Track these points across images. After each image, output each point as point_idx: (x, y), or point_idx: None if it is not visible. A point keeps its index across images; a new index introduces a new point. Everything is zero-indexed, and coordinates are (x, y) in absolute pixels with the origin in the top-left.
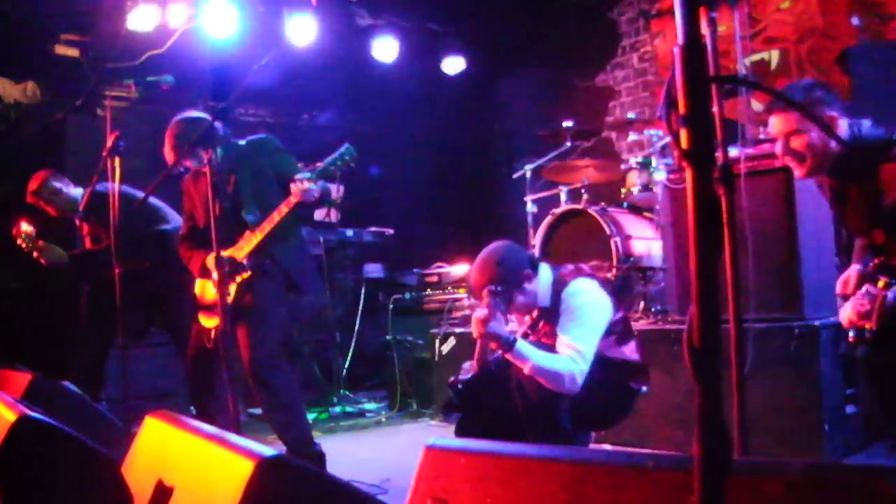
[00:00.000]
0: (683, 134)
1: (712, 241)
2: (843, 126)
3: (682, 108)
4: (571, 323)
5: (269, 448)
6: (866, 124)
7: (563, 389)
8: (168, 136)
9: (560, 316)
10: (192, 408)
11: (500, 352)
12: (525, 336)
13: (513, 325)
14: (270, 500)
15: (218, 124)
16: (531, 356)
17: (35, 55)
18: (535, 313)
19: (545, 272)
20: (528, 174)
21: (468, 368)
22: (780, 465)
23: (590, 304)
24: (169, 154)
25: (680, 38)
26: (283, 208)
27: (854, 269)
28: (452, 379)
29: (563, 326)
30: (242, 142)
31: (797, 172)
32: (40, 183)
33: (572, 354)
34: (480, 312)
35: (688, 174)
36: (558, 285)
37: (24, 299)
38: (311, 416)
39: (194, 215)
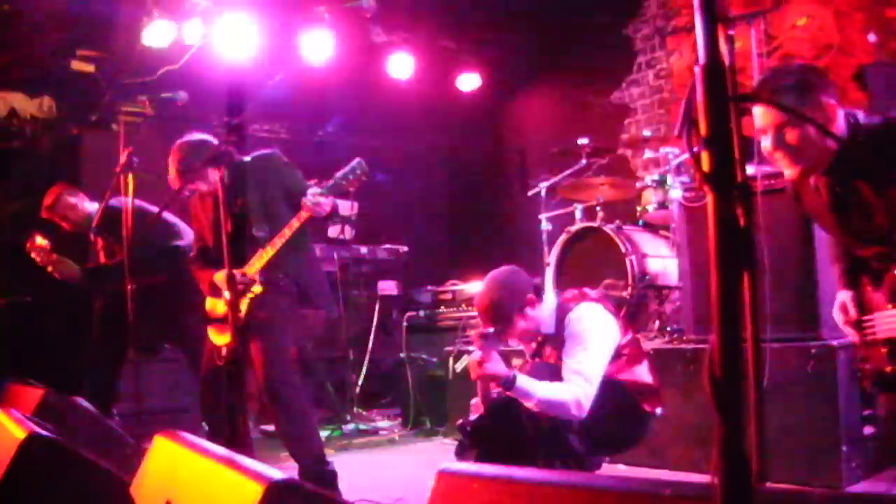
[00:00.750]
0: (704, 156)
1: (733, 267)
2: (840, 117)
3: (702, 130)
4: (576, 347)
5: (279, 471)
6: (860, 114)
7: (570, 416)
8: (172, 159)
9: (565, 342)
10: (203, 424)
11: (501, 390)
12: (533, 357)
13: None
14: None
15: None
16: (534, 390)
17: (51, 70)
18: (539, 339)
19: (549, 298)
20: (543, 192)
21: (476, 405)
22: (802, 497)
23: (594, 328)
24: (174, 177)
25: (701, 58)
26: (295, 223)
27: (847, 296)
28: (461, 421)
29: (567, 352)
30: (247, 158)
31: (790, 172)
32: (55, 198)
33: (576, 379)
34: (476, 355)
35: (709, 198)
36: (562, 311)
37: (38, 313)
38: (324, 434)
39: (203, 236)
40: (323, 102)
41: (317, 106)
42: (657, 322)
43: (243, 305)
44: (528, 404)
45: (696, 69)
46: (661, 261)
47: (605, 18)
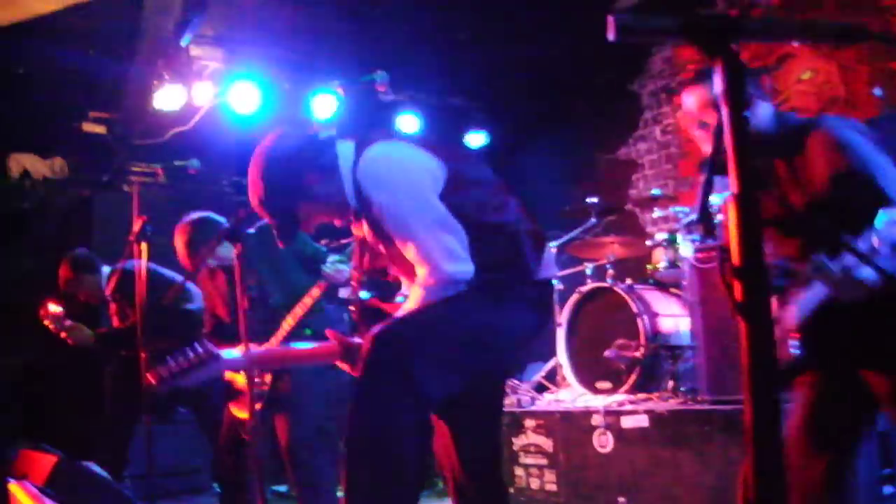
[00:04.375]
0: (736, 286)
1: (769, 394)
2: (763, 108)
3: (734, 259)
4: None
5: None
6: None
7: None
8: (181, 241)
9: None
10: (214, 485)
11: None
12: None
13: None
14: None
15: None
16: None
17: (63, 132)
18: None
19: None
20: (553, 250)
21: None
22: None
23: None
24: (183, 256)
25: (733, 187)
26: (315, 292)
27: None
28: None
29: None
30: (252, 230)
31: (706, 147)
32: (69, 277)
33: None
34: None
35: (742, 326)
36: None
37: (50, 377)
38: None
39: (217, 312)
40: None
41: None
42: (670, 382)
43: (267, 378)
44: None
45: (728, 198)
46: (673, 320)
47: (611, 75)
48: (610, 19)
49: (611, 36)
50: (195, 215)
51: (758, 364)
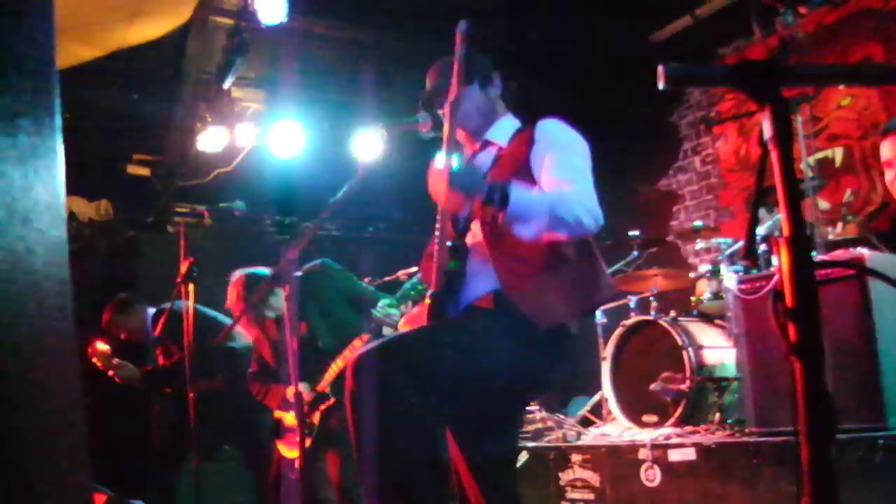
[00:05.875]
0: (791, 328)
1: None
2: None
3: (788, 301)
4: (560, 151)
5: None
6: None
7: (581, 229)
8: (235, 292)
9: (531, 148)
10: None
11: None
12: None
13: None
14: None
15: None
16: (530, 198)
17: (108, 174)
18: (481, 143)
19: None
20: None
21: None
22: None
23: (579, 140)
24: (234, 304)
25: (785, 230)
26: (366, 335)
27: None
28: None
29: (545, 156)
30: (299, 273)
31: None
32: (108, 319)
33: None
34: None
35: (797, 366)
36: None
37: (99, 416)
38: None
39: (263, 355)
40: (374, 199)
41: (367, 203)
42: (717, 414)
43: (316, 417)
44: (524, 227)
45: (781, 240)
46: (718, 352)
47: (649, 107)
48: (660, 69)
49: (661, 84)
50: (249, 270)
51: (813, 402)
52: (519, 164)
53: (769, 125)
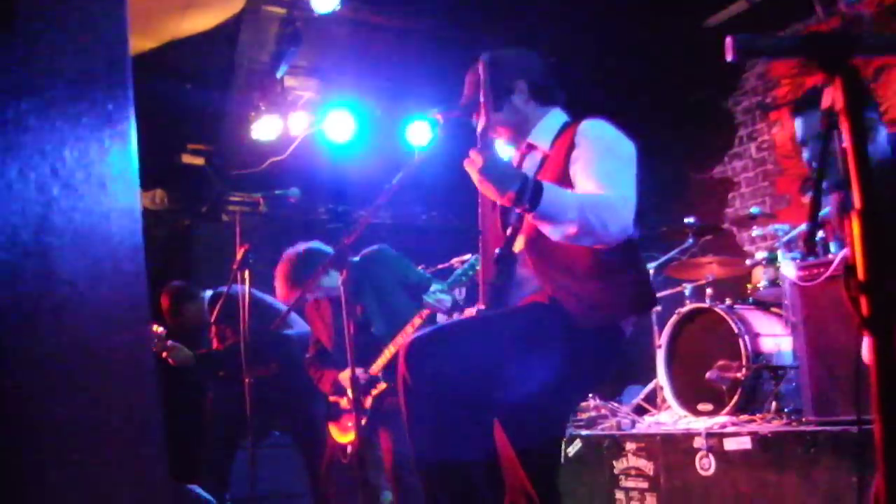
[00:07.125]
0: (862, 301)
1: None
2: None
3: (860, 275)
4: (600, 153)
5: None
6: None
7: (608, 235)
8: (281, 273)
9: (572, 151)
10: None
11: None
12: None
13: None
14: None
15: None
16: (564, 196)
17: (163, 164)
18: (526, 145)
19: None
20: (651, 272)
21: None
22: None
23: (622, 142)
24: (282, 287)
25: (857, 203)
26: (417, 321)
27: None
28: None
29: (585, 157)
30: (357, 258)
31: None
32: (166, 306)
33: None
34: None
35: (867, 340)
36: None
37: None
38: None
39: (321, 339)
40: (427, 186)
41: (420, 189)
42: (773, 403)
43: (368, 401)
44: (551, 227)
45: (854, 217)
46: (775, 340)
47: (704, 93)
48: (728, 41)
49: (729, 57)
50: (301, 247)
51: (887, 378)
52: (560, 168)
53: (840, 96)
